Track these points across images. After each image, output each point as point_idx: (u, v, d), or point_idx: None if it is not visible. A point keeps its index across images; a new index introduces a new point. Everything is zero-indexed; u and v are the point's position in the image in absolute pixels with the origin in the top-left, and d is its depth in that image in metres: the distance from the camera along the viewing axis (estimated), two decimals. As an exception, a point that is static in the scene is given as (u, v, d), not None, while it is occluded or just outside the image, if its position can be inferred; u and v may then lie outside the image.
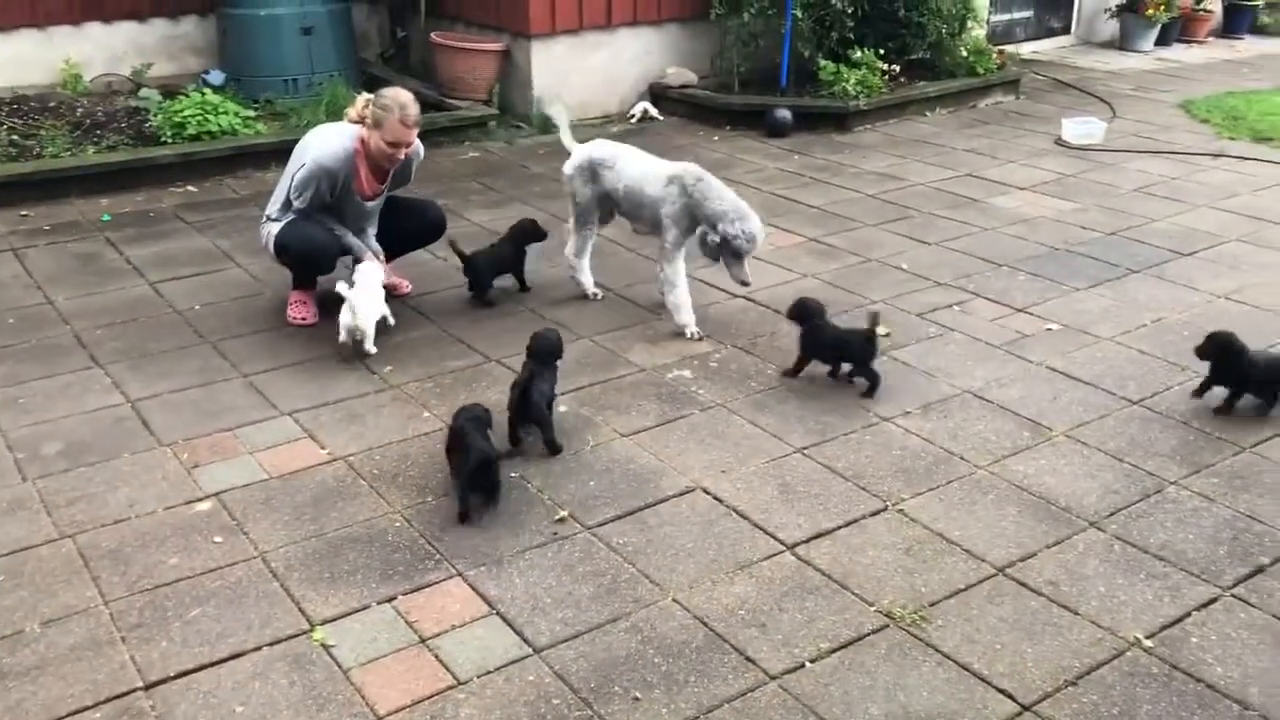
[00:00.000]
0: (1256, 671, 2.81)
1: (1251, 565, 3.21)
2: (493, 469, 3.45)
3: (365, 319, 4.37)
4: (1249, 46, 11.43)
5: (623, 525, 3.40)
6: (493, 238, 5.78)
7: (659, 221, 4.63)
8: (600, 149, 4.85)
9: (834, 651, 2.87)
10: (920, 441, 3.87)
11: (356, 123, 4.55)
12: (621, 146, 4.90)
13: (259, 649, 2.87)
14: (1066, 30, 11.50)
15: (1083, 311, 4.92)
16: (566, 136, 5.06)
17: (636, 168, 4.74)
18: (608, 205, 4.90)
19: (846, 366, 4.27)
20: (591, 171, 4.81)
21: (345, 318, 4.37)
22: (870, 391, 4.17)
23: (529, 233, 5.08)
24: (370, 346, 4.41)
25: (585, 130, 7.99)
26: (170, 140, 6.76)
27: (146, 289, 5.15)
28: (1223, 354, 4.04)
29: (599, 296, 5.03)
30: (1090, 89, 9.36)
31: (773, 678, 2.79)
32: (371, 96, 4.51)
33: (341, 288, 4.34)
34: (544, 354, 3.92)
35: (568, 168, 4.88)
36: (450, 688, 2.74)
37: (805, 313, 4.31)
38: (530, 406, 3.74)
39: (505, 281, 5.09)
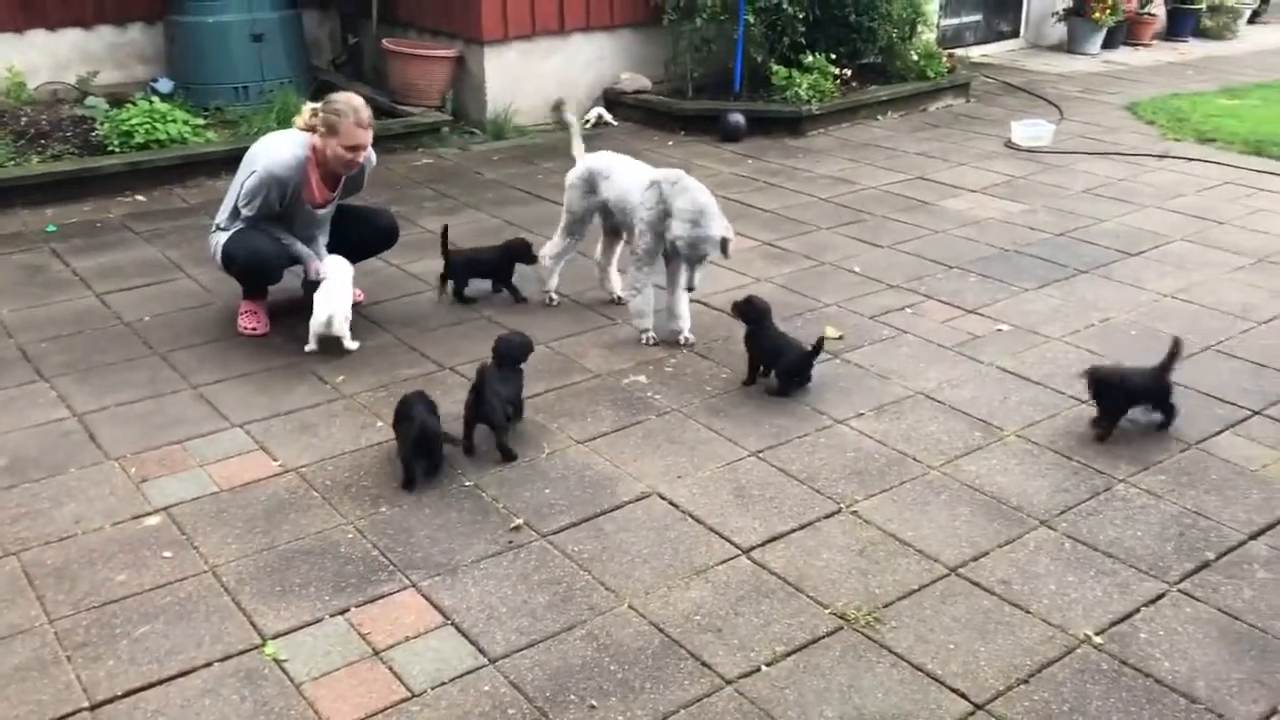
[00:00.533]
0: (1203, 665, 2.85)
1: (1197, 560, 3.26)
2: (435, 440, 3.60)
3: (342, 306, 4.44)
4: (1192, 49, 11.64)
5: (578, 532, 3.39)
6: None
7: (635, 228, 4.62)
8: (599, 160, 4.82)
9: (789, 654, 2.88)
10: (874, 443, 3.90)
11: (307, 131, 4.50)
12: (619, 158, 4.85)
13: (209, 665, 2.83)
14: (1015, 34, 11.64)
15: (1032, 312, 4.98)
16: (577, 145, 5.01)
17: (627, 178, 4.70)
18: (610, 219, 4.86)
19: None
20: (590, 183, 4.79)
21: (320, 312, 4.41)
22: (781, 391, 4.21)
23: (517, 251, 5.03)
24: (350, 343, 4.45)
25: (542, 135, 8.01)
26: (118, 149, 6.68)
27: (93, 300, 5.07)
28: (1101, 386, 3.96)
29: (554, 302, 5.02)
30: (1039, 92, 9.48)
31: (729, 682, 2.79)
32: (319, 104, 4.47)
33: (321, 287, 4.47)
34: (505, 357, 3.92)
35: (570, 176, 4.86)
36: (404, 700, 2.72)
37: (752, 313, 4.31)
38: (483, 407, 3.73)
39: (482, 286, 5.12)
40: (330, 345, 4.48)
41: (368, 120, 4.41)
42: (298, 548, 3.30)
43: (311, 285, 4.57)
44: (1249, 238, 5.93)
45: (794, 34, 8.13)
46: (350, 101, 4.41)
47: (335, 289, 4.48)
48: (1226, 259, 5.62)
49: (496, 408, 3.76)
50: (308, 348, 4.48)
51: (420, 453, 3.60)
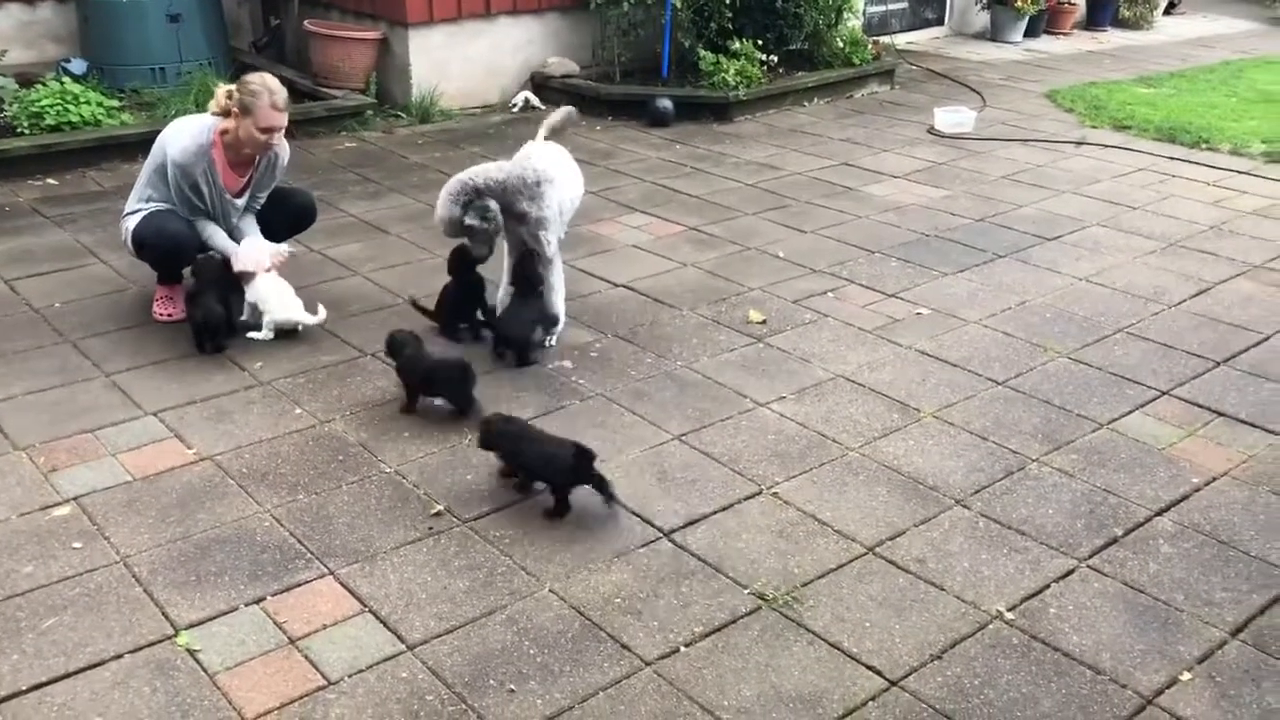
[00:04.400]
0: (1109, 638, 2.93)
1: (1106, 537, 3.35)
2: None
3: (292, 299, 4.45)
4: (1110, 38, 11.88)
5: (500, 518, 3.38)
6: (371, 231, 5.72)
7: None
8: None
9: (708, 635, 2.91)
10: (795, 426, 3.94)
11: (222, 115, 4.38)
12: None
13: (119, 657, 2.77)
14: (940, 21, 11.79)
15: (951, 296, 5.06)
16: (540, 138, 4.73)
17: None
18: None
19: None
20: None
21: (281, 313, 4.43)
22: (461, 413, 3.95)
23: (467, 260, 4.44)
24: (315, 317, 4.46)
25: (469, 119, 7.94)
26: (27, 131, 6.48)
27: (1, 286, 4.93)
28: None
29: None
30: (962, 79, 9.62)
31: (648, 664, 2.80)
32: (233, 86, 4.37)
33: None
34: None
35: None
36: (320, 688, 2.69)
37: (395, 346, 4.01)
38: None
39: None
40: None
41: (283, 102, 4.32)
42: (212, 536, 3.25)
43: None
44: (1161, 223, 6.08)
45: (721, 20, 8.15)
46: (265, 82, 4.31)
47: (273, 285, 4.44)
48: (1139, 244, 5.76)
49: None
50: (259, 336, 4.43)
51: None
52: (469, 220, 4.21)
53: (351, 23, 8.09)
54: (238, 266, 4.42)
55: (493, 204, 4.22)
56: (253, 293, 4.43)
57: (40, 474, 3.53)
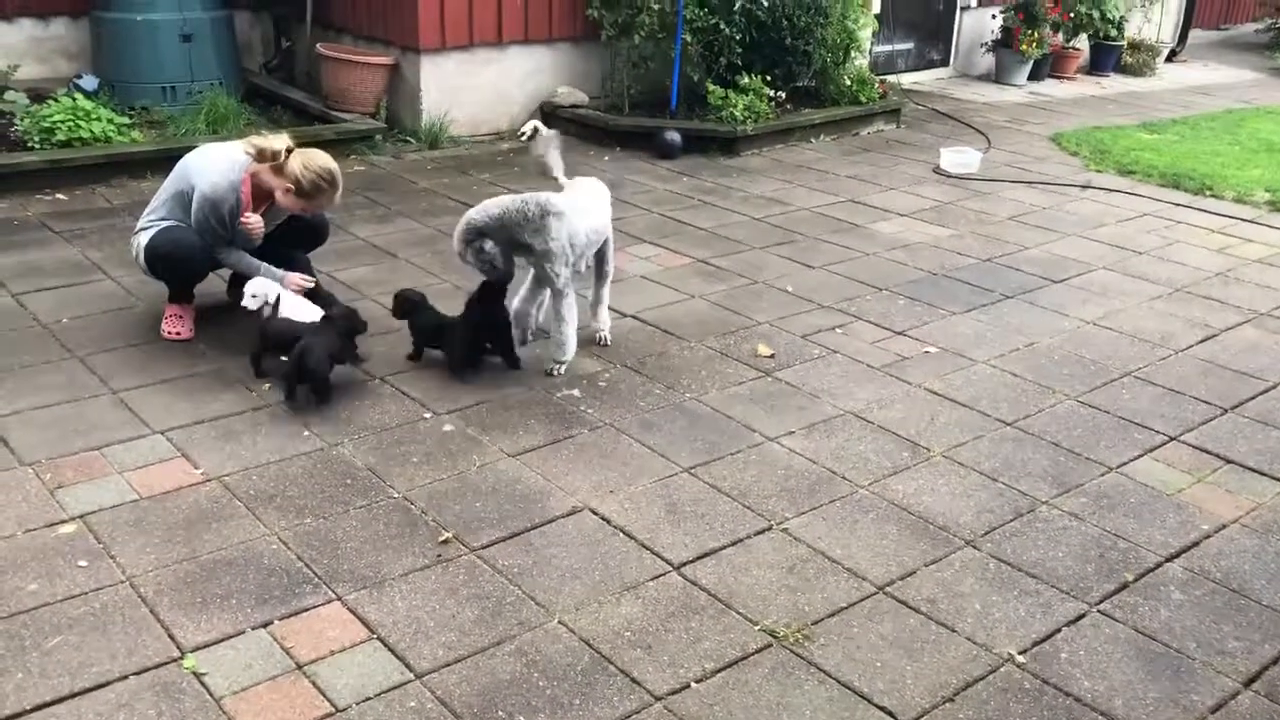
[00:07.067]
0: (1121, 684, 2.91)
1: (1117, 581, 3.34)
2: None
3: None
4: (1113, 84, 11.98)
5: (508, 547, 3.36)
6: (380, 255, 5.74)
7: None
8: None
9: (718, 671, 2.88)
10: (804, 461, 3.93)
11: (256, 157, 4.32)
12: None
13: (124, 678, 2.74)
14: (945, 62, 11.88)
15: (959, 335, 5.07)
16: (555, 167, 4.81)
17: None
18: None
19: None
20: None
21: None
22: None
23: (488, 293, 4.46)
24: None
25: (478, 146, 7.97)
26: (38, 146, 6.49)
27: (9, 300, 4.91)
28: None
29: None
30: (967, 120, 9.68)
31: (658, 699, 2.78)
32: (301, 152, 4.32)
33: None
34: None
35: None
36: (327, 715, 2.66)
37: (409, 307, 4.52)
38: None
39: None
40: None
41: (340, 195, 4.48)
42: (219, 558, 3.22)
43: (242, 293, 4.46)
44: (1167, 268, 6.11)
45: (731, 55, 8.20)
46: (336, 175, 4.36)
47: (307, 310, 4.46)
48: (1145, 288, 5.78)
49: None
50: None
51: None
52: (468, 259, 4.33)
53: (364, 47, 8.13)
54: (290, 289, 4.48)
55: (488, 244, 4.28)
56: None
57: (46, 490, 3.50)
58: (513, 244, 4.32)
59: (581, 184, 4.65)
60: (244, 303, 4.37)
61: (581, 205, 4.44)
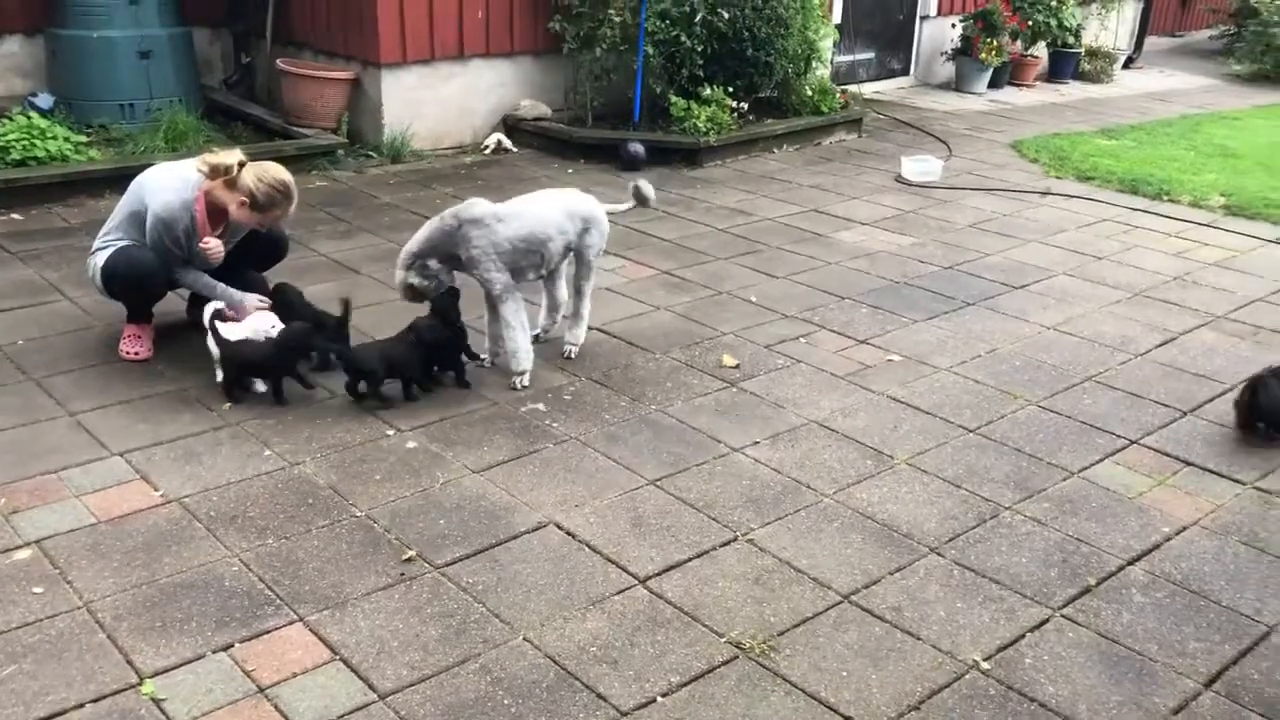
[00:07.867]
0: (1084, 688, 2.93)
1: (1079, 586, 3.36)
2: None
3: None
4: (1072, 91, 12.12)
5: (473, 564, 3.34)
6: (341, 270, 5.70)
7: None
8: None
9: (684, 685, 2.88)
10: (769, 471, 3.93)
11: (209, 175, 4.29)
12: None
13: (81, 706, 2.70)
14: (906, 72, 11.98)
15: (921, 343, 5.10)
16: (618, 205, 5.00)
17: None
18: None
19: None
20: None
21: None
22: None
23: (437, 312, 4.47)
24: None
25: (441, 160, 7.94)
26: (-8, 165, 6.41)
27: (-37, 323, 4.85)
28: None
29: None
30: (928, 128, 9.76)
31: (624, 714, 2.77)
32: (254, 165, 4.29)
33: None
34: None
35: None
36: (290, 739, 2.64)
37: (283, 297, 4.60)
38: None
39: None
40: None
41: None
42: (179, 581, 3.18)
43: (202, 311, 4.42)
44: (1126, 273, 6.17)
45: (693, 66, 8.23)
46: (290, 186, 4.33)
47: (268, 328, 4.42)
48: (1105, 293, 5.84)
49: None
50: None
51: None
52: (412, 280, 4.40)
53: (324, 62, 8.09)
54: (245, 313, 4.44)
55: (432, 262, 4.38)
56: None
57: (1, 516, 3.45)
58: (450, 260, 4.42)
59: (542, 193, 4.71)
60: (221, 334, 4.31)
61: (511, 211, 4.44)
